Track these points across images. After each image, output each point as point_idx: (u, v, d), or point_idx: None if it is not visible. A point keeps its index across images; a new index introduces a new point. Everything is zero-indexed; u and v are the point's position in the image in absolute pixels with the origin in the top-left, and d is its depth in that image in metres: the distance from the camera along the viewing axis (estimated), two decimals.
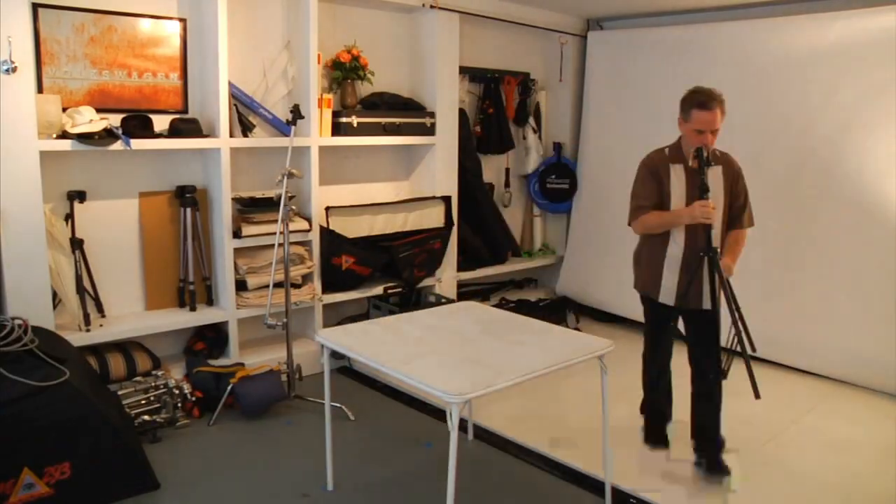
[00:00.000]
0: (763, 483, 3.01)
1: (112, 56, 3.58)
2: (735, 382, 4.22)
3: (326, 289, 4.28)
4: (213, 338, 3.98)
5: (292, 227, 4.06)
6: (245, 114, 3.99)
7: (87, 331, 3.44)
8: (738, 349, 2.68)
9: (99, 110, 3.45)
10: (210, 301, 3.98)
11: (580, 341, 2.73)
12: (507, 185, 5.64)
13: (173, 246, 3.86)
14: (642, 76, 5.05)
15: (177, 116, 3.74)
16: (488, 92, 5.34)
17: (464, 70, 4.99)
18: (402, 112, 4.59)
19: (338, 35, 4.41)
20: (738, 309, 2.70)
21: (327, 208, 4.26)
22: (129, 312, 3.81)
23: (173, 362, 3.83)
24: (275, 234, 3.97)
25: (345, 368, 4.19)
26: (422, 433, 3.41)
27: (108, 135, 3.35)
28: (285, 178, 3.55)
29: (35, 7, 3.29)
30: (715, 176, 2.90)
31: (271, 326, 3.57)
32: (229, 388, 3.51)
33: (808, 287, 4.31)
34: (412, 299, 4.68)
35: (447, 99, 4.80)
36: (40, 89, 3.34)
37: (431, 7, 4.62)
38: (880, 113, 3.96)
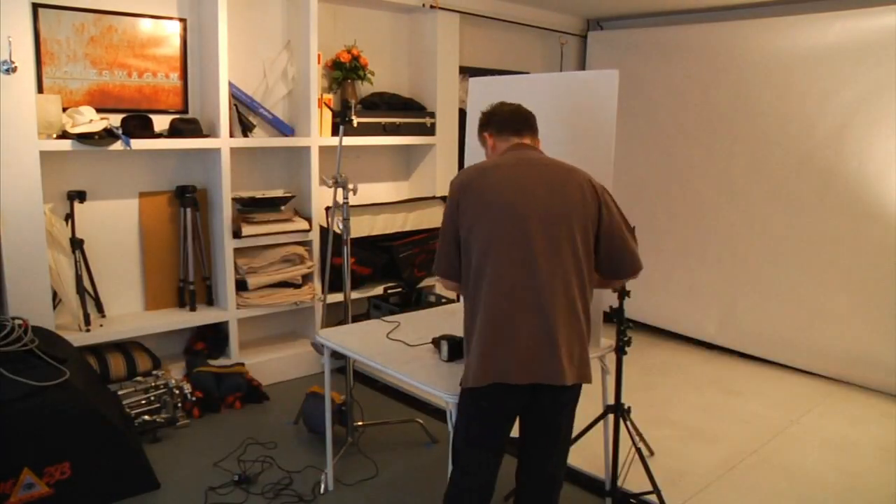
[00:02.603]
0: (763, 483, 3.01)
1: (112, 56, 3.58)
2: (734, 382, 4.24)
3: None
4: (213, 338, 3.98)
5: (292, 227, 4.06)
6: (245, 114, 3.99)
7: (87, 331, 3.44)
8: None
9: (99, 110, 3.45)
10: (210, 301, 3.98)
11: None
12: None
13: (173, 246, 3.86)
14: (642, 76, 5.05)
15: (177, 116, 3.74)
16: None
17: (464, 70, 4.99)
18: (402, 112, 4.59)
19: (338, 35, 4.41)
20: None
21: (327, 208, 4.26)
22: (129, 312, 3.81)
23: (173, 362, 3.83)
24: (275, 234, 3.98)
25: (344, 368, 4.19)
26: (422, 433, 3.41)
27: (108, 135, 3.35)
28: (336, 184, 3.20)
29: (35, 7, 3.29)
30: None
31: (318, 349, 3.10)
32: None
33: (808, 287, 4.31)
34: (412, 299, 4.68)
35: (447, 99, 4.80)
36: (40, 89, 3.34)
37: (431, 7, 4.62)
38: (880, 113, 3.96)
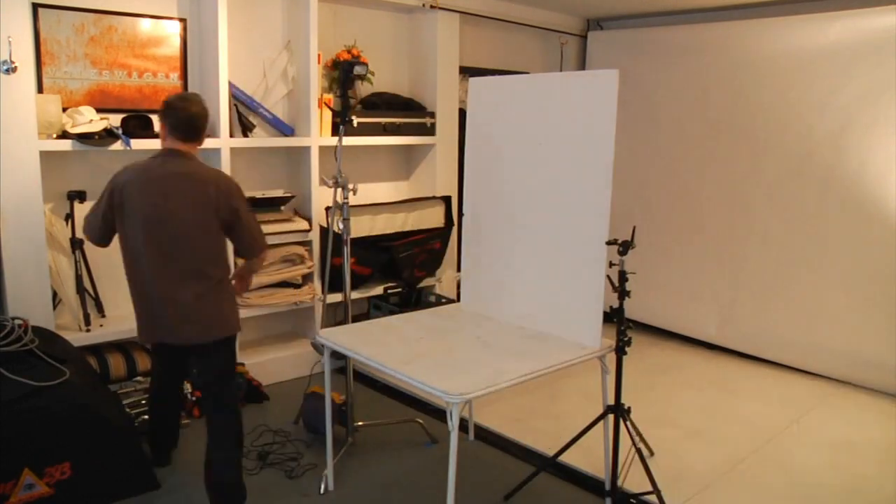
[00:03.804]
0: (763, 483, 3.01)
1: (112, 56, 3.58)
2: (734, 382, 4.24)
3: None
4: None
5: (292, 227, 4.06)
6: (245, 114, 3.99)
7: (87, 331, 3.44)
8: None
9: (99, 110, 3.45)
10: None
11: (580, 341, 2.72)
12: None
13: None
14: (642, 76, 5.06)
15: None
16: None
17: (464, 70, 4.99)
18: (402, 112, 4.59)
19: (338, 35, 4.41)
20: None
21: (327, 208, 4.26)
22: (130, 312, 3.77)
23: None
24: (275, 234, 3.98)
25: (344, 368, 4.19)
26: (422, 433, 3.41)
27: (108, 135, 3.35)
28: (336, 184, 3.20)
29: (35, 7, 3.29)
30: None
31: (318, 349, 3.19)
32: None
33: (809, 287, 4.31)
34: (412, 299, 4.68)
35: (447, 99, 4.80)
36: (40, 89, 3.34)
37: (431, 7, 4.62)
38: (880, 113, 3.96)
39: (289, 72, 4.12)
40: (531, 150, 2.92)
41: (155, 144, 3.55)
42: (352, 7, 4.49)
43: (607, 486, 2.78)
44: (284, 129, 4.16)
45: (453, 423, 2.22)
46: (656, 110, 5.03)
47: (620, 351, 2.62)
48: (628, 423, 2.77)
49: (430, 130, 4.71)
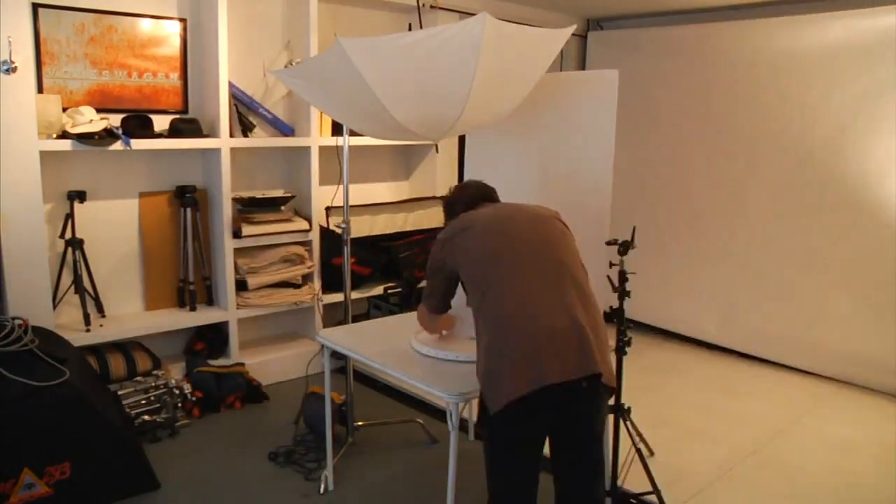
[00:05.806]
0: (763, 483, 3.01)
1: (112, 56, 3.58)
2: (735, 382, 4.24)
3: (326, 289, 4.29)
4: (213, 338, 3.98)
5: (292, 227, 4.07)
6: (245, 114, 3.99)
7: (87, 331, 3.44)
8: None
9: (99, 110, 3.45)
10: (210, 301, 3.98)
11: None
12: None
13: (173, 246, 3.86)
14: (642, 76, 5.06)
15: (177, 116, 3.74)
16: None
17: None
18: None
19: (338, 35, 4.41)
20: None
21: (327, 208, 4.26)
22: (129, 312, 3.81)
23: (173, 362, 3.83)
24: (275, 234, 3.98)
25: (344, 368, 4.20)
26: (422, 433, 3.41)
27: (108, 135, 3.34)
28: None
29: (35, 7, 3.29)
30: None
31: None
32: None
33: (809, 287, 4.32)
34: (412, 299, 4.68)
35: None
36: (40, 89, 3.34)
37: (431, 7, 4.62)
38: (880, 113, 3.96)
39: None
40: (531, 150, 2.92)
41: (154, 144, 3.56)
42: (352, 7, 4.49)
43: (607, 486, 2.78)
44: (284, 129, 4.16)
45: (453, 423, 2.22)
46: (656, 110, 5.03)
47: (620, 351, 2.62)
48: (628, 423, 2.77)
49: None
